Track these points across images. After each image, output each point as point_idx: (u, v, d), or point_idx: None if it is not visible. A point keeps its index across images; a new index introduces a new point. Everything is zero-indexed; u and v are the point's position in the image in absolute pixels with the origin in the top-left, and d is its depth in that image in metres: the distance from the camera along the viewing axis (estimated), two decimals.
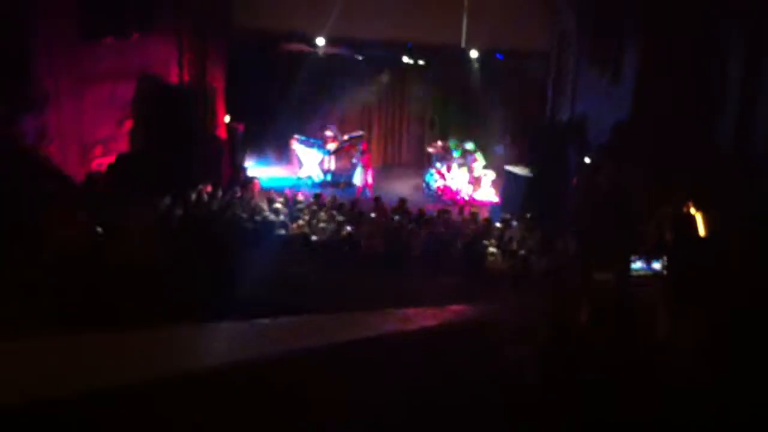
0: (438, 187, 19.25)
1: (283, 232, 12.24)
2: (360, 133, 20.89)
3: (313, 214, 13.62)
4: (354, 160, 20.16)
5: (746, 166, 9.45)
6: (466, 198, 18.81)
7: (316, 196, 15.11)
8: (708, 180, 10.40)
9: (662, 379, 3.93)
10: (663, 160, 11.49)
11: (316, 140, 20.73)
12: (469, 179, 19.23)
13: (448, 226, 13.01)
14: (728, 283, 6.63)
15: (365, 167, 19.10)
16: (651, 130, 12.14)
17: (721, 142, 10.35)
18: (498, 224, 13.96)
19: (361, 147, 19.56)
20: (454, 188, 19.06)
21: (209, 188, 14.65)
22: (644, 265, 9.53)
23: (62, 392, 1.80)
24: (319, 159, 20.28)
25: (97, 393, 1.83)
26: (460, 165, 19.30)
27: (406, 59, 20.98)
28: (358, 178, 19.25)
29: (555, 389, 3.83)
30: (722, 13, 10.57)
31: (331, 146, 20.35)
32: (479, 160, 19.64)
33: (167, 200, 12.51)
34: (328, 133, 20.64)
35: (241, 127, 18.96)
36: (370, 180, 19.09)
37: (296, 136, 21.03)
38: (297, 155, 20.60)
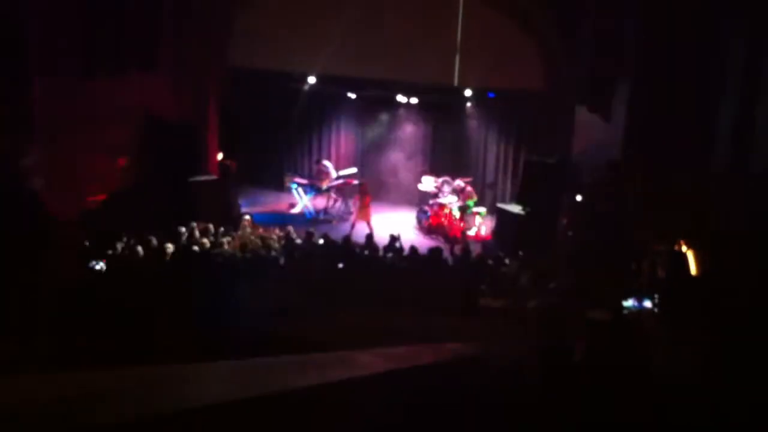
0: (431, 224, 19.26)
1: (274, 268, 12.22)
2: (353, 169, 20.98)
3: (305, 252, 13.61)
4: (348, 197, 20.26)
5: (743, 200, 9.51)
6: (459, 235, 18.82)
7: (308, 234, 15.10)
8: (704, 215, 10.45)
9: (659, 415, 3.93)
10: (657, 197, 11.56)
11: (310, 177, 20.82)
12: (462, 216, 19.26)
13: (440, 264, 13.00)
14: (723, 319, 6.65)
15: (363, 205, 18.91)
16: (644, 167, 12.22)
17: (716, 178, 10.44)
18: (490, 261, 13.96)
19: (360, 188, 19.28)
20: (446, 225, 19.07)
21: (201, 225, 14.65)
22: (636, 303, 9.56)
23: (58, 429, 1.79)
24: (313, 195, 20.33)
25: (93, 430, 1.82)
26: (452, 202, 19.33)
27: (399, 98, 21.17)
28: (354, 215, 19.07)
29: (549, 427, 3.82)
30: (717, 51, 10.70)
31: (325, 183, 20.42)
32: (472, 197, 19.70)
33: (158, 237, 12.52)
34: (323, 167, 20.74)
35: (233, 164, 19.03)
36: (367, 217, 18.93)
37: (290, 173, 21.14)
38: (291, 192, 20.65)
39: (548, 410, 3.59)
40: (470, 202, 19.62)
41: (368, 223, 18.24)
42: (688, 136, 11.32)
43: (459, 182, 19.81)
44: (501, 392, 3.63)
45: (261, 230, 15.69)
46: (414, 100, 21.23)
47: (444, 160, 21.71)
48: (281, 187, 21.58)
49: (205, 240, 13.42)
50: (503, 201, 19.94)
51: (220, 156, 18.96)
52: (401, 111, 21.83)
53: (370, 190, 19.08)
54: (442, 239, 18.41)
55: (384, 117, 22.04)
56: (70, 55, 12.93)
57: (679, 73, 11.68)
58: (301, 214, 20.03)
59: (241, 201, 19.49)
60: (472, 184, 20.02)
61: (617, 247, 11.74)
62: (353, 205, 19.64)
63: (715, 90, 10.72)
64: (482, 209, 19.63)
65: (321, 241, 14.58)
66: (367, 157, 22.38)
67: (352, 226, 18.39)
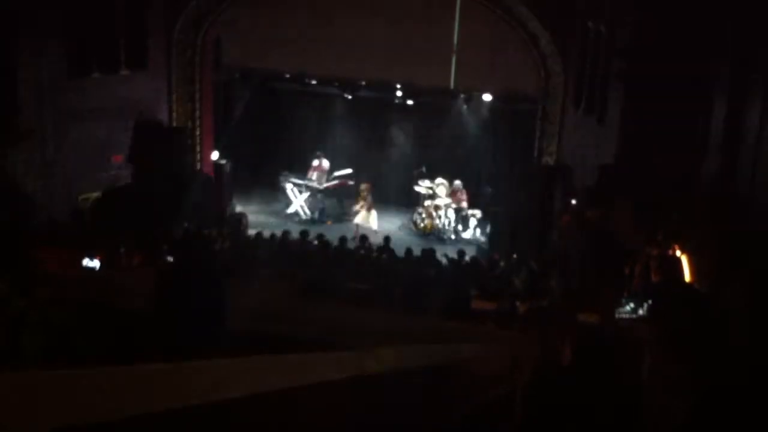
0: (426, 226, 19.28)
1: (269, 269, 12.24)
2: (349, 170, 20.91)
3: (301, 251, 13.65)
4: (344, 198, 20.26)
5: (731, 204, 9.54)
6: (453, 237, 18.86)
7: (303, 234, 15.13)
8: (694, 220, 10.49)
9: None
10: (649, 201, 11.58)
11: (304, 177, 20.72)
12: (456, 218, 19.28)
13: (433, 266, 13.04)
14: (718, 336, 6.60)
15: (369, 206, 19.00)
16: (637, 171, 12.25)
17: (706, 181, 10.49)
18: (484, 264, 14.01)
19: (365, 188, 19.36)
20: (440, 227, 19.11)
21: (196, 225, 14.66)
22: (629, 308, 9.58)
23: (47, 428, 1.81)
24: (307, 196, 20.29)
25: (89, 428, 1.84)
26: (447, 204, 19.35)
27: (395, 99, 21.16)
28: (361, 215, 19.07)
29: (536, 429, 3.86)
30: (707, 53, 10.75)
31: (320, 183, 20.37)
32: (466, 200, 19.71)
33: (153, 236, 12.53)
34: (316, 164, 20.65)
35: (228, 164, 19.04)
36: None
37: (285, 173, 21.05)
38: (285, 192, 20.59)
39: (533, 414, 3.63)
40: (465, 203, 19.62)
41: (359, 225, 18.34)
42: (681, 138, 11.38)
43: (456, 183, 19.82)
44: (485, 397, 3.67)
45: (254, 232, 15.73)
46: (410, 102, 21.21)
47: (439, 161, 21.66)
48: (276, 187, 21.50)
49: (198, 240, 13.44)
50: (497, 203, 19.94)
51: (215, 155, 18.97)
52: (397, 112, 21.78)
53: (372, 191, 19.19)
54: (436, 240, 18.45)
55: (380, 118, 21.99)
56: (60, 54, 12.93)
57: (673, 75, 11.72)
58: (296, 214, 20.03)
59: (235, 201, 19.50)
60: (466, 186, 20.04)
61: (609, 251, 11.77)
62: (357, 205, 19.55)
63: (708, 91, 10.78)
64: (477, 211, 19.62)
65: (315, 242, 14.62)
66: (362, 158, 22.30)
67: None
